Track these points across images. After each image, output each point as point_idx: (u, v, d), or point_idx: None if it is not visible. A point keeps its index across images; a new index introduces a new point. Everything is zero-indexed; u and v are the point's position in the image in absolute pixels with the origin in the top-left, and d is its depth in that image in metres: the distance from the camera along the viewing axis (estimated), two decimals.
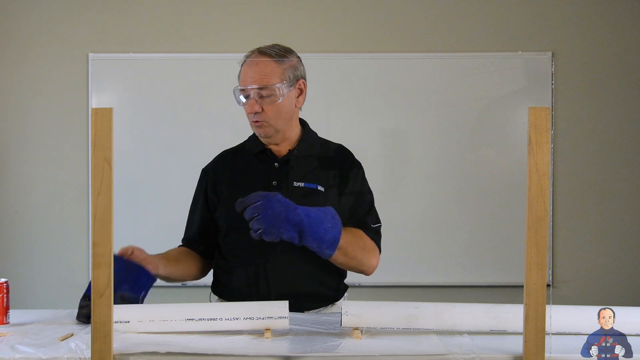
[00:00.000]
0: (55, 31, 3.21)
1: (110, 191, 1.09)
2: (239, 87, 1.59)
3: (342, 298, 1.71)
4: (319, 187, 1.61)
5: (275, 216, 1.33)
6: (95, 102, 3.16)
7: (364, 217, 1.62)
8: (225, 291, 1.66)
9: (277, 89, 1.56)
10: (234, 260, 1.63)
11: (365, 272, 1.60)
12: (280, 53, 1.60)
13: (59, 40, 3.21)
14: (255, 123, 1.60)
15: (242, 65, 1.62)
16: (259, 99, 1.56)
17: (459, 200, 3.18)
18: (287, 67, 1.59)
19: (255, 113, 1.57)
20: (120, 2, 3.21)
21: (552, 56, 3.19)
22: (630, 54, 3.21)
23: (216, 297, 1.69)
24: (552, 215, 3.13)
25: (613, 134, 3.21)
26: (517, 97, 3.19)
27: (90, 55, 3.18)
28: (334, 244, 1.42)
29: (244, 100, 1.59)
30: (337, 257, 1.48)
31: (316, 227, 1.38)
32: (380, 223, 1.66)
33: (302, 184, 1.61)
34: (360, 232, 1.58)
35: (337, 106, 3.18)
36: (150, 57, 3.18)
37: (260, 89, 1.56)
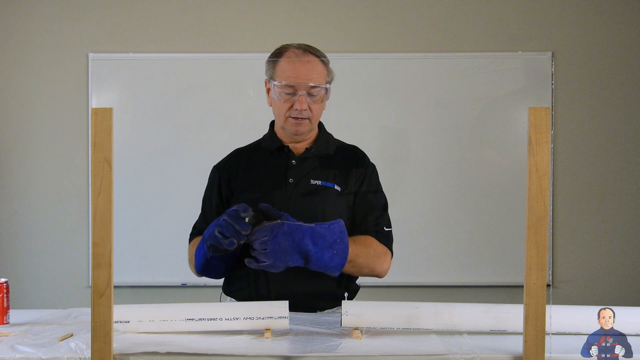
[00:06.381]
0: (55, 31, 3.21)
1: (110, 191, 1.09)
2: (288, 83, 1.55)
3: (351, 298, 1.70)
4: (336, 187, 1.61)
5: (282, 251, 1.31)
6: (95, 102, 3.16)
7: (377, 219, 1.61)
8: (237, 291, 1.64)
9: (326, 90, 1.59)
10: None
11: (378, 276, 1.60)
12: (322, 54, 1.62)
13: (59, 40, 3.21)
14: (297, 120, 1.58)
15: (274, 60, 1.59)
16: (307, 97, 1.57)
17: (459, 200, 3.18)
18: (329, 69, 1.63)
19: (303, 110, 1.57)
20: (120, 2, 3.21)
21: (552, 56, 3.19)
22: (630, 54, 3.21)
23: (228, 298, 1.67)
24: (552, 215, 3.13)
25: (613, 134, 3.21)
26: (517, 97, 3.19)
27: (90, 55, 3.19)
28: (337, 269, 1.40)
29: (286, 95, 1.57)
30: (348, 269, 1.48)
31: (321, 255, 1.35)
32: (391, 227, 1.65)
33: (319, 182, 1.60)
34: (370, 240, 1.57)
35: (336, 106, 3.16)
36: (150, 57, 3.18)
37: (313, 87, 1.56)
